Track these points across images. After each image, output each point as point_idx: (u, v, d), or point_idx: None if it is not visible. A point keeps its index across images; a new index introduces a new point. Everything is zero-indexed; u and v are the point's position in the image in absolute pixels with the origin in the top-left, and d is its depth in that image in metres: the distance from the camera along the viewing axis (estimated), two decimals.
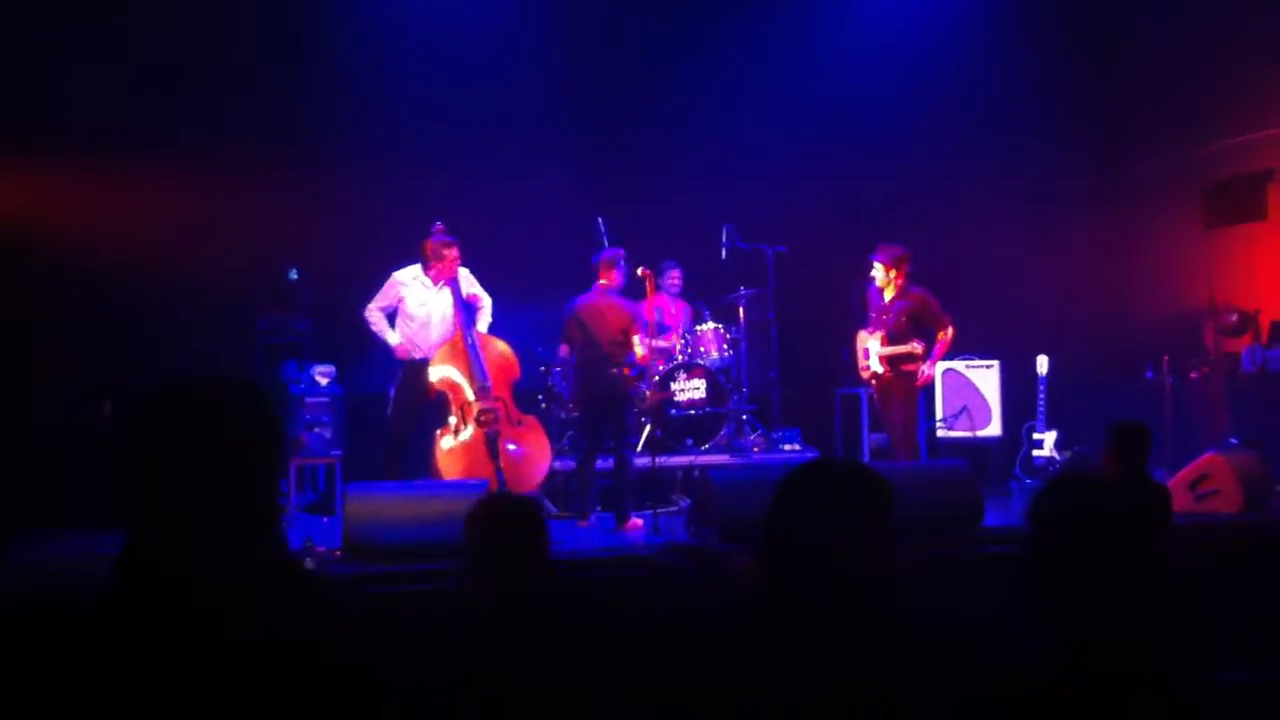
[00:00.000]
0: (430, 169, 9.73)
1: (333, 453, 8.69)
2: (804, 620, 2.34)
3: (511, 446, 7.81)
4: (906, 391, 8.33)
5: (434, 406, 8.00)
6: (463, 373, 7.83)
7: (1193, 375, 10.19)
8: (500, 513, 3.19)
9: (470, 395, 7.79)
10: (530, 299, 9.67)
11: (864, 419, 9.89)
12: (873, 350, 8.34)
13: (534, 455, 7.94)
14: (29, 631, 1.88)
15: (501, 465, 7.63)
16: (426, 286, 8.10)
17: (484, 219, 9.29)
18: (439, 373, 7.84)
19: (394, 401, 8.05)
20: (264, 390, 2.06)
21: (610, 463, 7.99)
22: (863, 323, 8.54)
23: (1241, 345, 10.11)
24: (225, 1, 9.53)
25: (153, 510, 1.90)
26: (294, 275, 9.31)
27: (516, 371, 8.11)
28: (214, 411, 1.96)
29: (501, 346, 8.08)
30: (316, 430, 8.65)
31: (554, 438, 8.85)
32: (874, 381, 8.46)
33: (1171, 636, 2.29)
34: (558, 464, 8.53)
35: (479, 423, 7.72)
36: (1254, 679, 2.53)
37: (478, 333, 8.03)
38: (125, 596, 1.87)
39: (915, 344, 8.22)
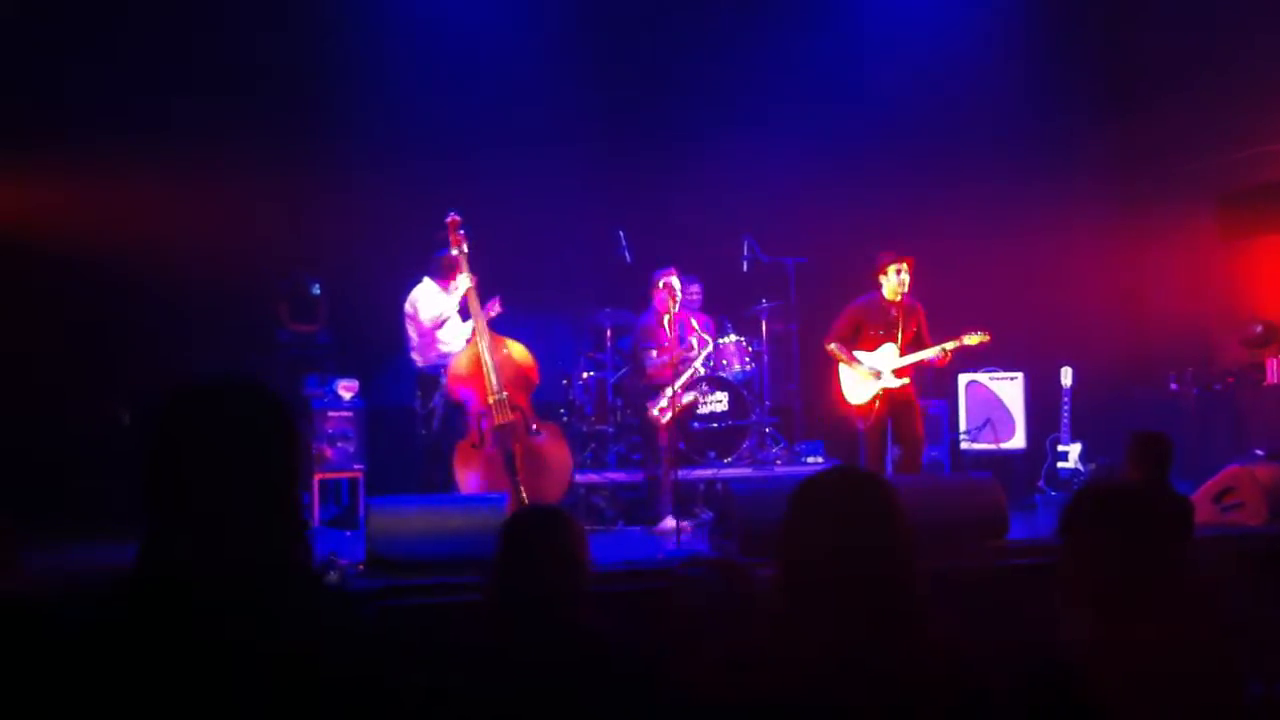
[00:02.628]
0: (452, 180, 9.74)
1: (355, 466, 8.71)
2: (816, 628, 2.34)
3: (530, 457, 7.71)
4: (916, 401, 8.25)
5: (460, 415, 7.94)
6: (478, 384, 7.72)
7: (1217, 387, 10.15)
8: (537, 524, 3.17)
9: (485, 407, 7.69)
10: (551, 310, 9.68)
11: (888, 431, 9.83)
12: (888, 364, 8.10)
13: (553, 466, 7.80)
14: (42, 635, 1.90)
15: (520, 479, 7.56)
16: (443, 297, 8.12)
17: (506, 230, 9.32)
18: (455, 383, 7.76)
19: (440, 413, 8.01)
20: (277, 392, 2.08)
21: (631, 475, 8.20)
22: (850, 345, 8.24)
23: (1266, 356, 10.05)
24: (251, 12, 9.58)
25: (166, 510, 1.93)
26: (316, 289, 9.35)
27: (534, 377, 7.94)
28: (228, 412, 1.99)
29: (518, 352, 7.90)
30: (340, 444, 8.67)
31: (576, 451, 8.84)
32: (878, 404, 8.10)
33: (1198, 645, 2.29)
34: (579, 477, 8.50)
35: (494, 438, 7.66)
36: (1278, 690, 2.52)
37: (493, 336, 7.84)
38: (140, 597, 1.88)
39: (979, 332, 7.99)
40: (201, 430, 1.96)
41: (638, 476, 8.69)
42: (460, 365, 7.79)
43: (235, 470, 1.94)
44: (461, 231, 7.92)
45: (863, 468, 6.14)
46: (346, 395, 8.79)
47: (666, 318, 8.33)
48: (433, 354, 8.06)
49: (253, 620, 1.87)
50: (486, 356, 7.72)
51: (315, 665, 1.89)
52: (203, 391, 2.02)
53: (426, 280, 8.10)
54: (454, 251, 7.91)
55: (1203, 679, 2.27)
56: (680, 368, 8.28)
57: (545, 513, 3.35)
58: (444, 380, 7.94)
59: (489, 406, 7.68)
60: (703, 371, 8.89)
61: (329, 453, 8.61)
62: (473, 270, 7.95)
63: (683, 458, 8.71)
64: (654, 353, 8.24)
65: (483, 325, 7.80)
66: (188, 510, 1.92)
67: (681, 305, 8.57)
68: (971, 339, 8.02)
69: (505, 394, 7.70)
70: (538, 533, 3.13)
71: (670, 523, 7.90)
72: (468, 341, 7.92)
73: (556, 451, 7.87)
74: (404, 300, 8.16)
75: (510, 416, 7.69)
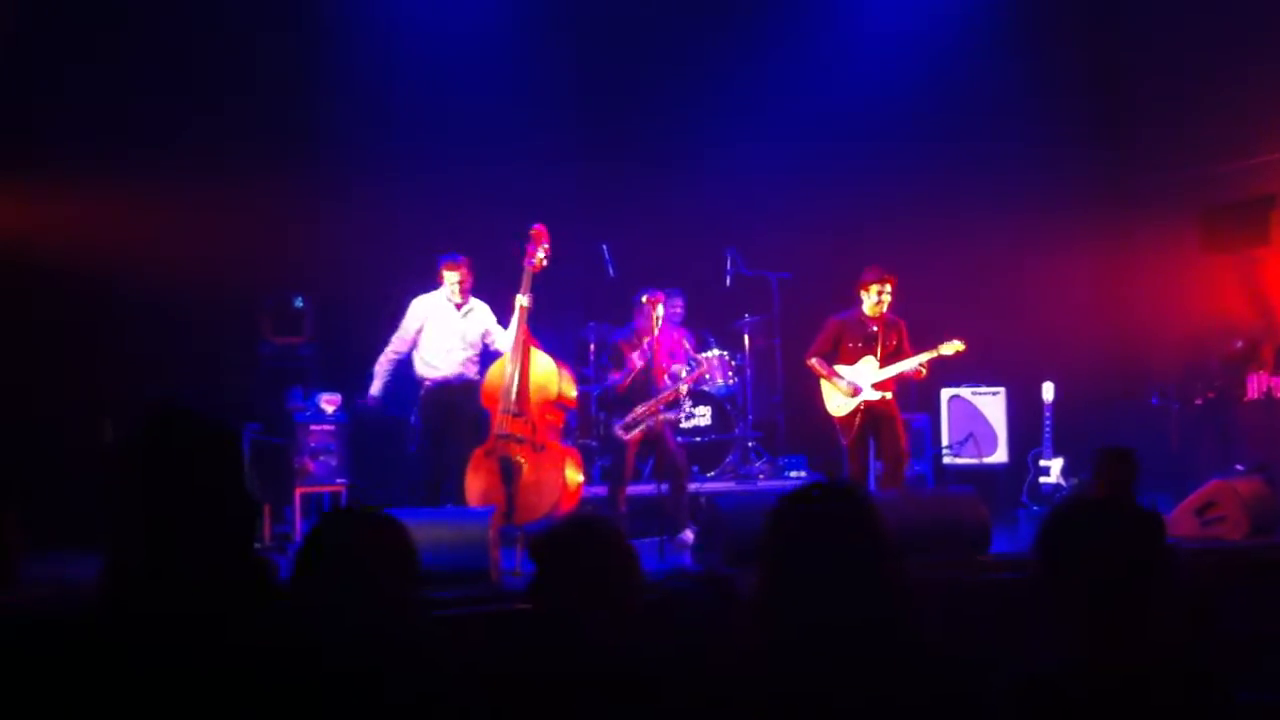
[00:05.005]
0: (437, 193, 9.76)
1: (338, 480, 8.66)
2: (801, 638, 2.34)
3: (526, 473, 7.58)
4: (899, 416, 8.25)
5: (470, 427, 7.96)
6: (497, 393, 7.72)
7: (1198, 401, 10.17)
8: (578, 541, 3.09)
9: (498, 416, 7.67)
10: (534, 324, 9.65)
11: (870, 444, 9.84)
12: (868, 377, 8.13)
13: (546, 485, 7.62)
14: (27, 648, 1.93)
15: (514, 492, 7.43)
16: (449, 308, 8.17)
17: (489, 244, 9.30)
18: (484, 391, 7.85)
19: (421, 430, 8.07)
20: (227, 428, 2.18)
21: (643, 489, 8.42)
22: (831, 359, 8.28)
23: (1246, 372, 10.09)
24: (238, 28, 9.58)
25: (123, 532, 2.04)
26: (299, 302, 9.33)
27: (553, 392, 7.76)
28: (170, 437, 2.11)
29: (539, 369, 7.77)
30: (322, 458, 8.62)
31: None
32: (859, 418, 8.12)
33: (1180, 658, 2.30)
34: None
35: (497, 448, 7.62)
36: (1262, 699, 2.53)
37: (527, 352, 7.74)
38: (102, 614, 1.93)
39: (954, 341, 8.02)
40: (149, 455, 2.09)
41: None
42: (490, 375, 7.87)
43: (179, 491, 2.05)
44: (547, 245, 7.80)
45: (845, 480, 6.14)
46: (329, 409, 8.73)
47: (647, 339, 8.21)
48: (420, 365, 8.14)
49: (202, 633, 1.92)
50: (510, 368, 7.72)
51: (267, 673, 1.93)
52: (159, 417, 2.13)
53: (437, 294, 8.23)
54: (533, 264, 7.78)
55: (1187, 689, 2.28)
56: (656, 386, 8.13)
57: (585, 525, 3.25)
58: (430, 394, 8.08)
59: (500, 415, 7.67)
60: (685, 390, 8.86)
61: (311, 466, 8.55)
62: (467, 285, 8.14)
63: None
64: (614, 371, 8.22)
65: (518, 341, 7.73)
66: (139, 527, 2.00)
67: (665, 321, 8.46)
68: (948, 348, 8.05)
69: (516, 407, 7.63)
70: (578, 547, 3.07)
71: None
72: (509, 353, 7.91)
73: (551, 470, 7.67)
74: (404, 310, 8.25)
75: (512, 428, 7.61)
